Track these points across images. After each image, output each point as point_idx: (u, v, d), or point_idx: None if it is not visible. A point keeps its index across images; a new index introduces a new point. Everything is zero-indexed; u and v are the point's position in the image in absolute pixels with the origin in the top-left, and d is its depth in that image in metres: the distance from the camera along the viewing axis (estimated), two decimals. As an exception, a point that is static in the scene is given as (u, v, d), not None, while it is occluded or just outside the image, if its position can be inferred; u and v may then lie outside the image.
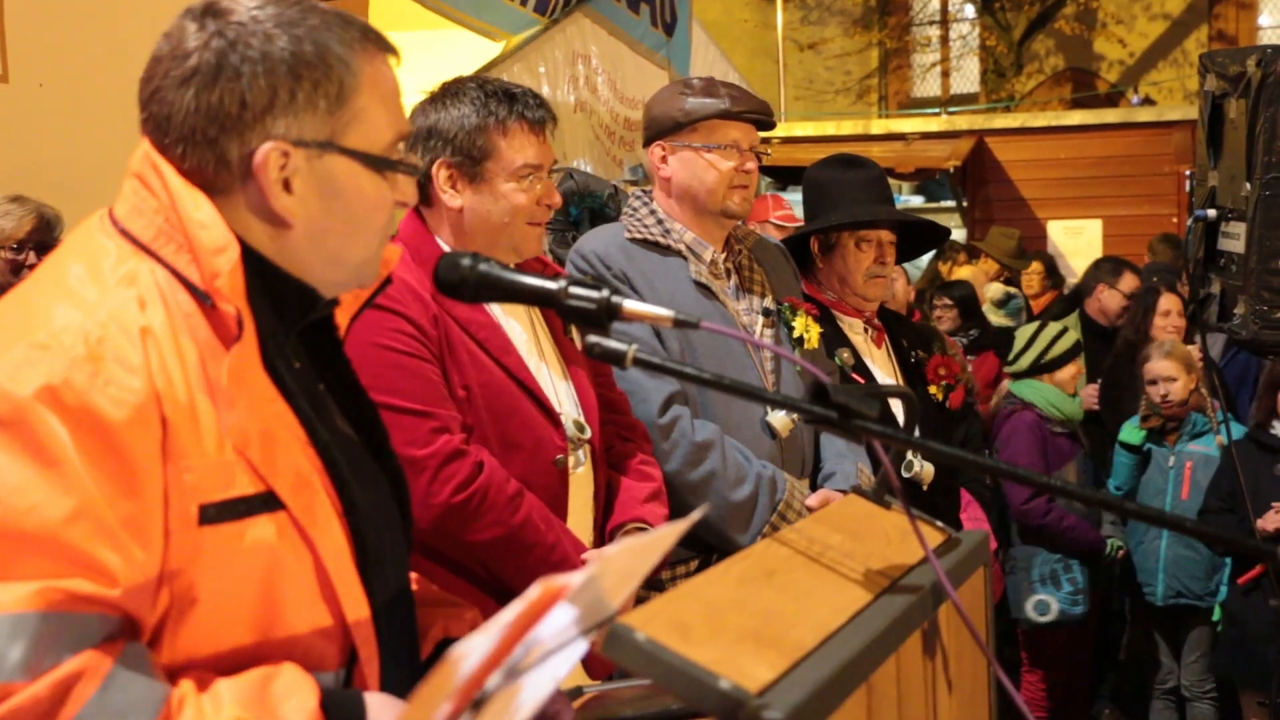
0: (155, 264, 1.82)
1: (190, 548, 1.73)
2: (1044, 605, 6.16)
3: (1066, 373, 6.46)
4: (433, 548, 2.94)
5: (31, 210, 4.88)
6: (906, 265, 7.75)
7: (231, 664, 1.77)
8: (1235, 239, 3.97)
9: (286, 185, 1.84)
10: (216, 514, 1.75)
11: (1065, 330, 6.63)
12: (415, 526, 2.40)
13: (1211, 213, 4.14)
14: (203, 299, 1.80)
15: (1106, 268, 8.56)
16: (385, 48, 1.94)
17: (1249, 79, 3.89)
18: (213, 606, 1.76)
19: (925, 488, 4.24)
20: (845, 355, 4.24)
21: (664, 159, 3.77)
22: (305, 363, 1.99)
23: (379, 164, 1.88)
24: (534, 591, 1.18)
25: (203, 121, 1.82)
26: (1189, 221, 4.25)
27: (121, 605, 1.69)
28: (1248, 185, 3.89)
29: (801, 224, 7.95)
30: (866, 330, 4.42)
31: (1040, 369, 6.44)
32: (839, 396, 1.86)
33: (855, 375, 4.21)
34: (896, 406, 4.01)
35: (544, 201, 3.10)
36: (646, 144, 3.84)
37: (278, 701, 1.73)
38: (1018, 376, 6.56)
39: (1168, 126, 14.19)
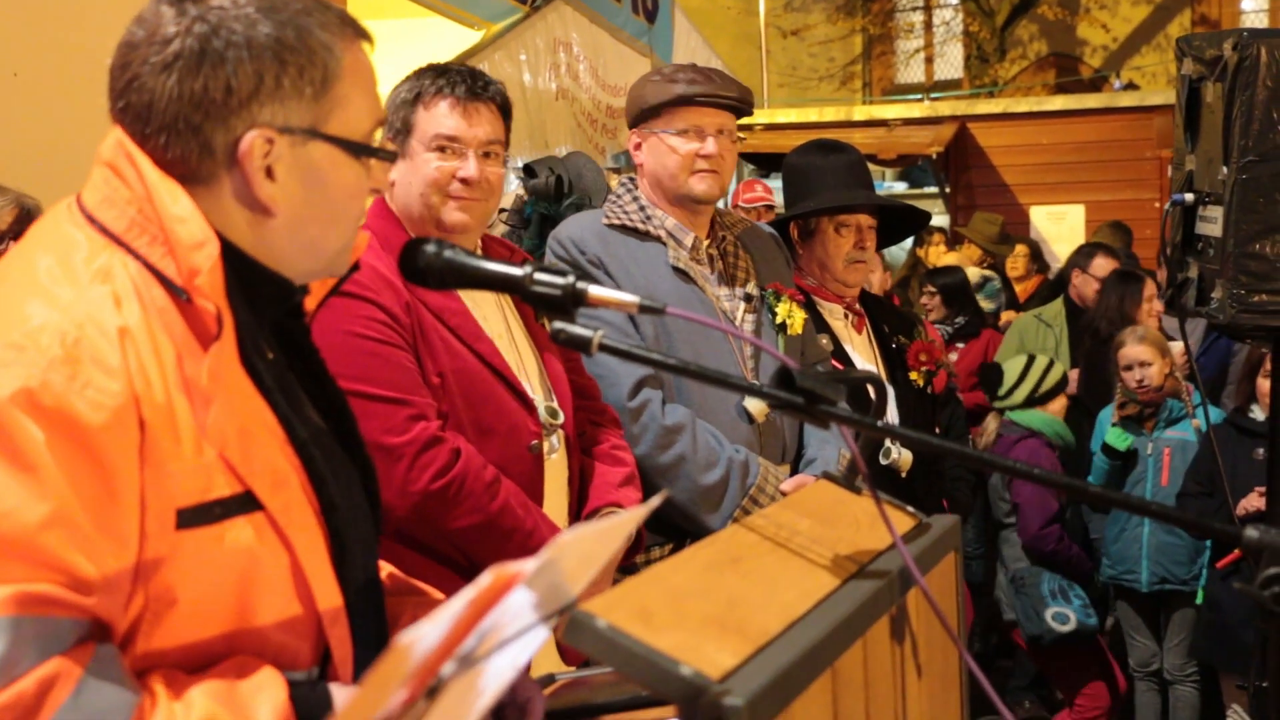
0: (128, 256, 1.78)
1: (168, 551, 1.71)
2: (1063, 616, 6.20)
3: (1057, 404, 6.62)
4: (409, 535, 2.93)
5: (12, 200, 4.84)
6: (884, 252, 7.75)
7: (202, 660, 1.76)
8: (1213, 223, 3.97)
9: (269, 173, 1.81)
10: (194, 517, 1.73)
11: (1052, 363, 6.75)
12: (393, 514, 2.39)
13: (1189, 197, 4.14)
14: (178, 294, 1.77)
15: (1083, 252, 8.61)
16: (361, 34, 1.92)
17: (1225, 63, 3.89)
18: (189, 608, 1.74)
19: (904, 475, 4.24)
20: (824, 341, 4.23)
21: (638, 146, 3.80)
22: (277, 352, 1.97)
23: (359, 150, 1.87)
24: (485, 579, 1.17)
25: (187, 109, 1.78)
26: (1166, 206, 4.26)
27: (94, 610, 1.67)
28: (1224, 169, 3.89)
29: (772, 207, 7.91)
30: (847, 316, 4.42)
31: (1034, 403, 6.55)
32: (805, 382, 1.85)
33: (834, 361, 4.21)
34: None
35: (459, 175, 3.09)
36: (630, 130, 3.88)
37: (247, 697, 1.72)
38: (1009, 410, 6.63)
39: (1150, 111, 14.19)
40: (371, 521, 2.08)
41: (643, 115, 3.76)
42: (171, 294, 1.77)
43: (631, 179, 3.87)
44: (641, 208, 3.76)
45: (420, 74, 3.14)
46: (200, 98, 1.78)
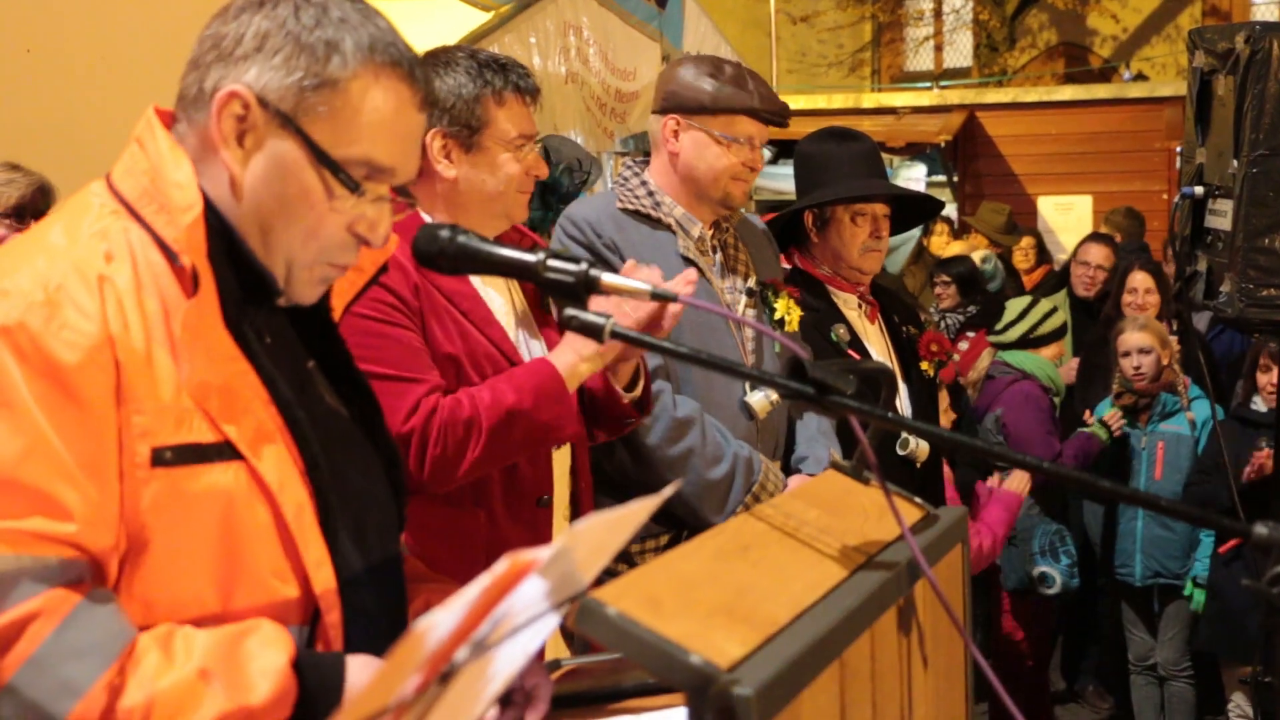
0: (134, 223, 1.86)
1: (142, 490, 1.76)
2: (1050, 578, 6.18)
3: (1049, 351, 6.50)
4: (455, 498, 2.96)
5: (35, 180, 4.85)
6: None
7: (197, 613, 1.79)
8: (1222, 216, 3.97)
9: (241, 140, 1.86)
10: (170, 457, 1.78)
11: (1055, 310, 6.65)
12: (423, 488, 2.44)
13: (1199, 190, 4.14)
14: (173, 258, 1.84)
15: (1083, 242, 8.61)
16: (406, 78, 1.92)
17: (1237, 56, 3.89)
18: (167, 551, 1.78)
19: (919, 465, 4.23)
20: (841, 331, 4.22)
21: (675, 134, 3.73)
22: (288, 340, 2.01)
23: (322, 159, 1.87)
24: (501, 566, 1.17)
25: (208, 47, 1.89)
26: (1176, 199, 4.25)
27: (81, 543, 1.71)
28: (1235, 162, 3.89)
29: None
30: (860, 306, 4.41)
31: (1028, 343, 6.47)
32: (816, 373, 1.86)
33: (851, 351, 4.20)
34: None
35: (533, 171, 3.09)
36: (660, 112, 3.79)
37: (248, 658, 1.75)
38: (1003, 347, 6.57)
39: (1159, 102, 14.19)
40: (394, 507, 2.11)
41: (697, 109, 3.72)
42: (168, 258, 1.84)
43: (638, 161, 3.84)
44: (650, 193, 3.74)
45: (474, 66, 3.06)
46: (219, 40, 1.88)
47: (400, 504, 2.14)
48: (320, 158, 1.87)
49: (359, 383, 2.13)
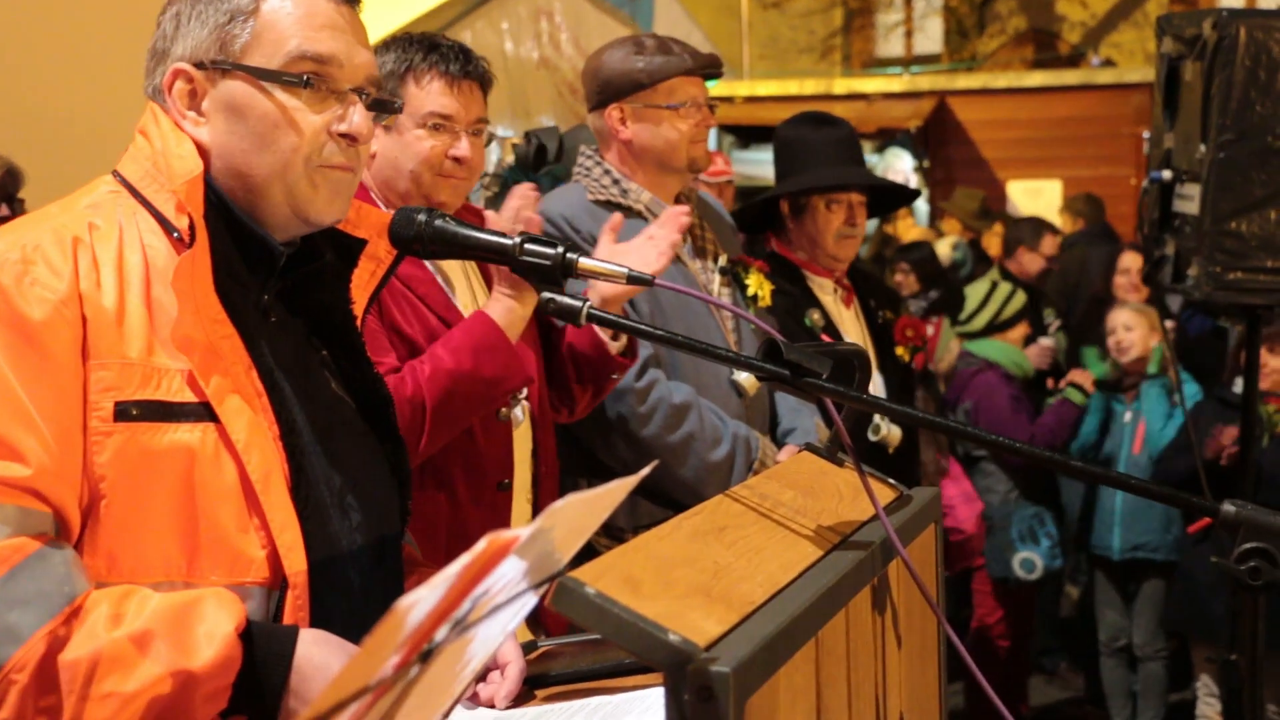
0: (133, 201, 1.94)
1: (105, 443, 1.80)
2: (1030, 563, 6.21)
3: (1017, 332, 6.53)
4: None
5: (2, 162, 4.84)
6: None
7: (163, 570, 1.82)
8: (1190, 201, 3.99)
9: (199, 110, 1.97)
10: (136, 413, 1.81)
11: (1015, 291, 6.68)
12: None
13: (1167, 174, 4.16)
14: (171, 230, 1.91)
15: (1027, 229, 8.65)
16: None
17: (1205, 42, 3.91)
18: (130, 506, 1.81)
19: (891, 451, 4.25)
20: (815, 316, 4.24)
21: (622, 120, 3.72)
22: (296, 324, 2.06)
23: (263, 76, 1.94)
24: (481, 545, 1.18)
25: (149, 57, 2.02)
26: (1144, 183, 4.28)
27: (39, 489, 1.74)
28: (1202, 147, 3.91)
29: (732, 181, 7.88)
30: (836, 291, 4.42)
31: (994, 329, 6.49)
32: (791, 355, 1.87)
33: (825, 336, 4.21)
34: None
35: (452, 154, 3.08)
36: (599, 106, 3.78)
37: (195, 622, 1.76)
38: (970, 336, 6.60)
39: (1127, 88, 14.25)
40: (396, 496, 2.16)
41: (634, 88, 3.71)
42: (166, 232, 1.91)
43: (596, 150, 3.83)
44: (616, 181, 3.73)
45: (406, 45, 3.08)
46: (154, 45, 2.02)
47: (404, 494, 2.18)
48: (262, 74, 1.94)
49: (370, 377, 2.17)
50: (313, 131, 1.96)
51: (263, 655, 1.79)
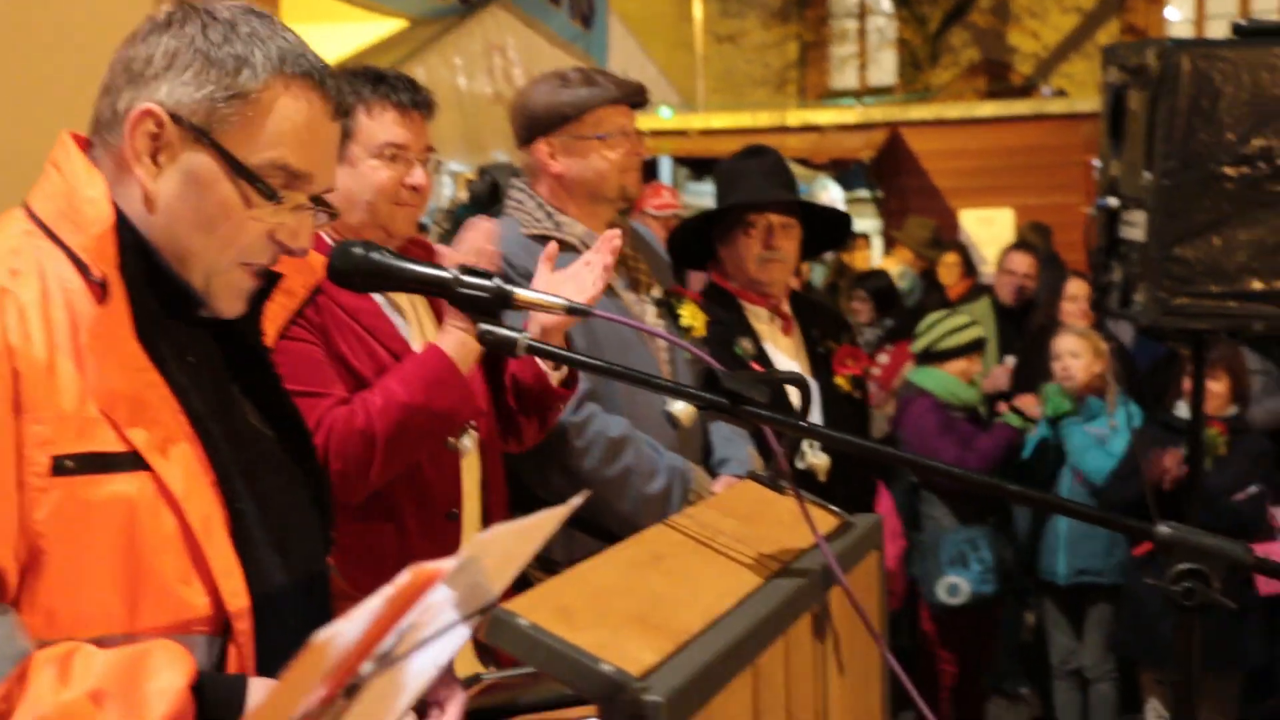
0: (48, 242, 1.86)
1: (42, 499, 1.75)
2: (955, 588, 6.20)
3: (957, 365, 6.37)
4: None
5: None
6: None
7: (103, 625, 1.78)
8: (1136, 227, 4.02)
9: (155, 159, 1.87)
10: (72, 466, 1.76)
11: (970, 324, 6.56)
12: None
13: (1113, 201, 4.18)
14: (86, 273, 1.84)
15: (1008, 251, 8.72)
16: (319, 89, 1.93)
17: (1149, 71, 3.94)
18: (69, 561, 1.76)
19: (823, 478, 4.23)
20: (745, 344, 4.25)
21: (551, 155, 3.70)
22: (213, 361, 2.01)
23: (237, 169, 1.87)
24: (403, 577, 1.17)
25: (119, 70, 1.89)
26: (1090, 210, 4.30)
27: None
28: (1147, 174, 3.93)
29: (679, 211, 7.91)
30: (773, 319, 4.43)
31: (930, 357, 6.44)
32: (729, 383, 1.87)
33: (755, 364, 4.21)
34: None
35: (408, 183, 3.08)
36: (528, 142, 3.75)
37: (145, 678, 1.72)
38: (917, 361, 6.61)
39: (1078, 119, 14.32)
40: (319, 528, 2.11)
41: (562, 121, 3.70)
42: (82, 274, 1.84)
43: (527, 183, 3.81)
44: (549, 214, 3.71)
45: (352, 78, 3.07)
46: (129, 62, 1.89)
47: (326, 525, 2.13)
48: (236, 168, 1.87)
49: (288, 407, 2.12)
50: (256, 235, 1.91)
51: (213, 707, 1.76)
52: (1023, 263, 8.34)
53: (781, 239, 4.36)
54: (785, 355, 4.37)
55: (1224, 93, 3.78)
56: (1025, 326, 8.12)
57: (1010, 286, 8.30)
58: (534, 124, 3.72)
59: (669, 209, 7.78)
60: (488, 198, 5.47)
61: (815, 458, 4.19)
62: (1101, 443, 6.10)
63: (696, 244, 4.54)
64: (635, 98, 3.75)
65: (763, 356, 4.27)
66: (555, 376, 3.20)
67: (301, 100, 1.90)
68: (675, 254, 4.55)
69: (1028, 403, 6.39)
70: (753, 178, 4.38)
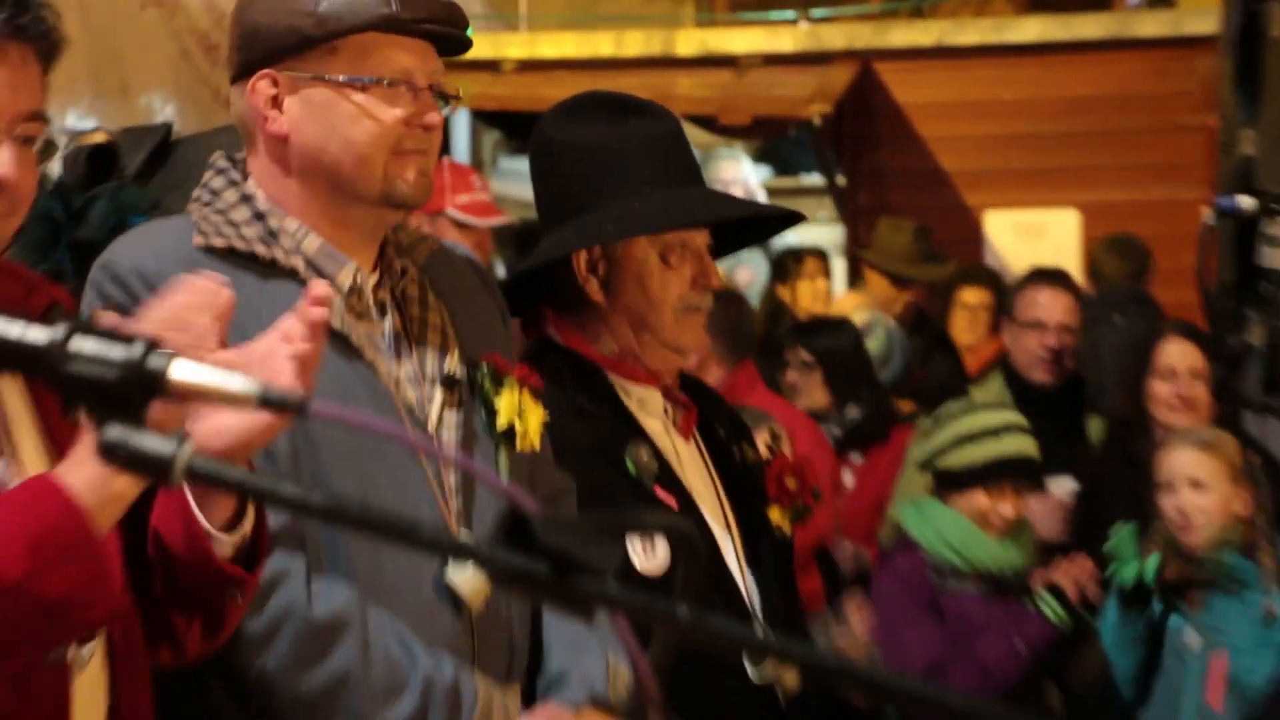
0: None
1: None
2: None
3: (972, 502, 6.41)
4: None
5: None
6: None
7: None
8: (1288, 249, 4.08)
9: None
10: None
11: (1006, 426, 6.57)
12: None
13: (1245, 202, 4.24)
14: None
15: (1026, 286, 8.63)
16: None
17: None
18: None
19: (785, 702, 4.24)
20: (643, 456, 4.19)
21: (275, 100, 3.72)
22: None
23: None
24: None
25: None
26: (1205, 215, 4.37)
27: None
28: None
29: (499, 217, 7.89)
30: (668, 410, 4.42)
31: (941, 479, 6.45)
32: (553, 536, 1.86)
33: (661, 490, 4.18)
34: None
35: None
36: (242, 75, 3.77)
37: None
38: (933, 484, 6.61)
39: (1191, 44, 14.48)
40: None
41: (296, 46, 3.70)
42: None
43: (234, 159, 3.83)
44: (259, 215, 3.71)
45: None
46: None
47: None
48: None
49: None
50: None
51: None
52: (1057, 306, 8.26)
53: (712, 273, 4.36)
54: (690, 471, 4.36)
55: None
56: (1074, 420, 8.07)
57: (1038, 350, 8.26)
58: (252, 43, 3.75)
59: (487, 215, 7.71)
60: (84, 178, 5.35)
61: (776, 669, 4.18)
62: (1266, 627, 6.12)
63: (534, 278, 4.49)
64: (438, 24, 3.72)
65: (668, 477, 4.24)
66: (225, 541, 3.12)
67: None
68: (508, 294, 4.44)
69: (1070, 576, 6.32)
70: (651, 163, 4.33)
